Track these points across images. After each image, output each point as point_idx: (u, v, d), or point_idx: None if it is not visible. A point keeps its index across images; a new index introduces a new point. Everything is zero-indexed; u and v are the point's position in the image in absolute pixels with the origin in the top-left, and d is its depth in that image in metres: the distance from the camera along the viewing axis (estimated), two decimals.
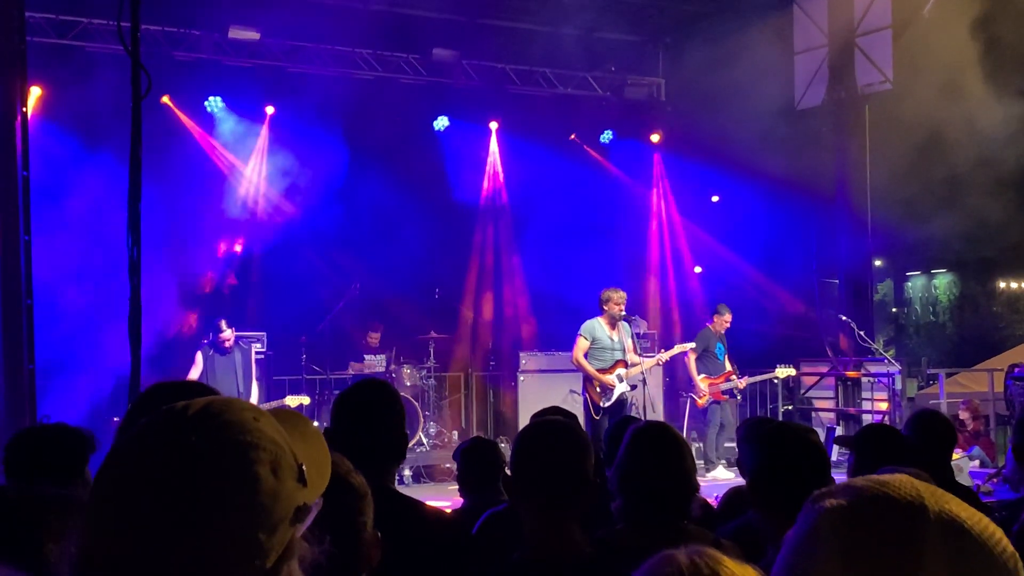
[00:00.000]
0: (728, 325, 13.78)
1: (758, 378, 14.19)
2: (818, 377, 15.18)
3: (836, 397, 14.99)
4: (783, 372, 13.88)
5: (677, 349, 13.00)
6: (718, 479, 12.62)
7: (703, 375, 13.44)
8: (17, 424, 7.85)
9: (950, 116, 13.41)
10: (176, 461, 1.19)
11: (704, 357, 13.39)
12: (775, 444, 3.28)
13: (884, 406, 13.97)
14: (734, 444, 13.32)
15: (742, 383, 13.72)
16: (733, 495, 4.73)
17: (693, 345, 13.30)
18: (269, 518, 1.21)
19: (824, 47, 15.46)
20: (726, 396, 13.57)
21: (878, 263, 16.59)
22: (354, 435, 3.25)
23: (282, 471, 1.24)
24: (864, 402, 14.59)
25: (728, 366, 13.68)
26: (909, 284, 26.82)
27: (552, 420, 3.19)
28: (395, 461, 3.36)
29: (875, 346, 14.44)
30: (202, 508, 1.17)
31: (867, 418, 13.92)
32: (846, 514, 1.24)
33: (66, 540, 2.09)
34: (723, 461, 13.29)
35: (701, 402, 13.40)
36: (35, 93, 12.52)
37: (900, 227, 15.05)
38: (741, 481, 3.78)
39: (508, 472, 3.01)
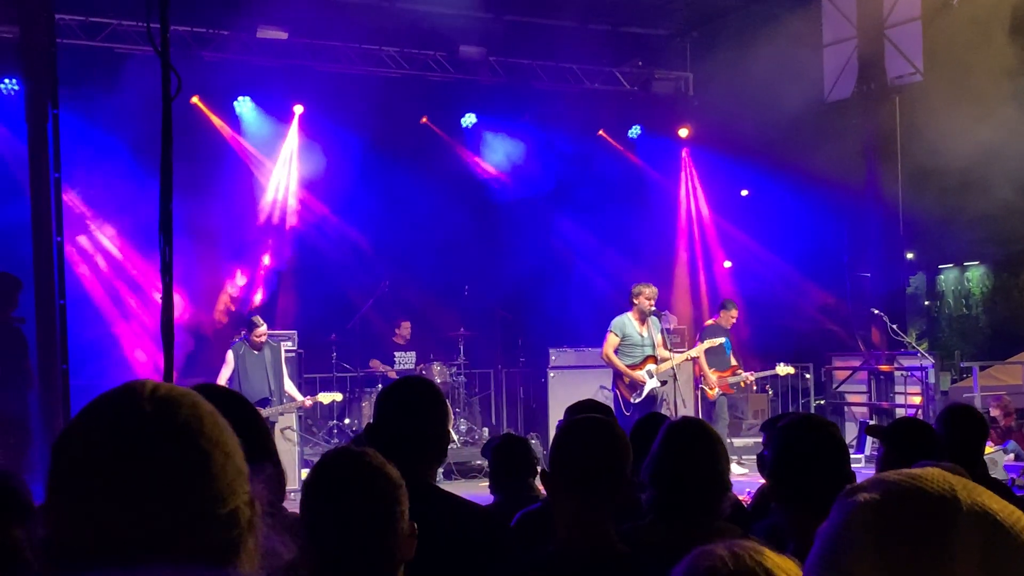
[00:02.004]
0: (734, 321, 13.75)
1: (761, 374, 14.19)
2: (850, 371, 15.09)
3: (869, 391, 14.91)
4: (783, 370, 13.77)
5: (707, 344, 12.96)
6: (732, 474, 12.56)
7: (713, 369, 13.41)
8: (50, 424, 7.92)
9: (982, 107, 13.29)
10: (132, 439, 1.26)
11: (712, 351, 13.31)
12: (795, 438, 3.26)
13: (917, 400, 13.87)
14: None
15: (750, 377, 13.70)
16: (765, 493, 4.70)
17: (722, 340, 13.25)
18: (223, 492, 1.28)
19: (853, 39, 15.36)
20: (732, 390, 13.56)
21: (910, 256, 16.45)
22: (397, 431, 3.26)
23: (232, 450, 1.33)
24: (897, 396, 14.49)
25: (733, 361, 13.65)
26: (941, 277, 26.57)
27: (593, 418, 3.19)
28: (437, 458, 3.37)
29: (908, 339, 14.34)
30: (162, 483, 1.24)
31: (900, 412, 13.82)
32: (879, 507, 1.24)
33: (32, 523, 2.10)
34: (735, 458, 13.27)
35: (712, 394, 13.35)
36: (66, 95, 12.60)
37: (932, 220, 14.92)
38: (756, 478, 3.77)
39: (545, 467, 3.02)
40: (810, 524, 3.04)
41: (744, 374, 13.69)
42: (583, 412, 4.16)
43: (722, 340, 13.29)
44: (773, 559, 1.37)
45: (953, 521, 1.21)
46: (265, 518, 1.35)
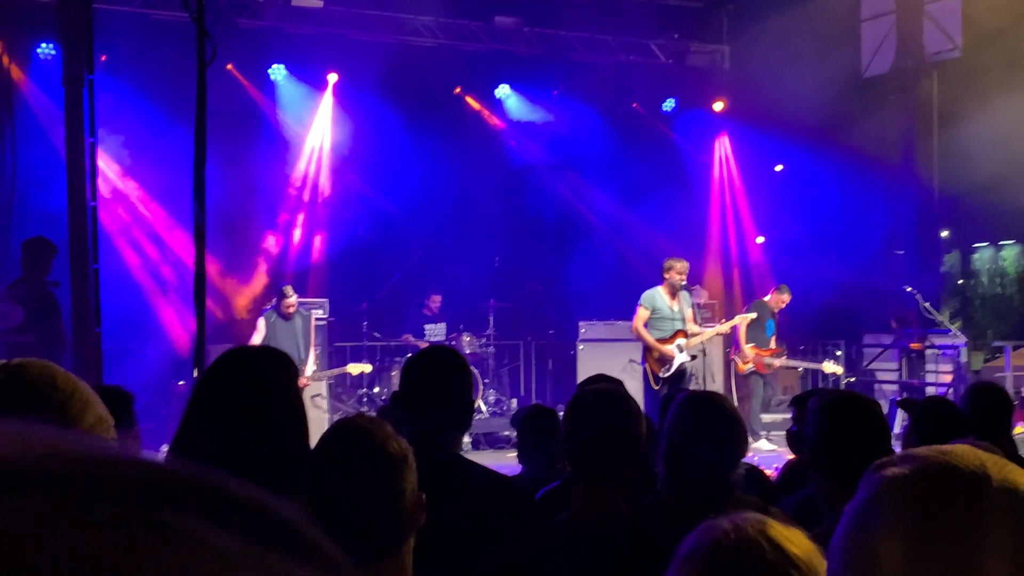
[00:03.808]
0: (784, 306, 13.68)
1: (804, 364, 14.18)
2: (881, 349, 15.00)
3: (900, 369, 14.82)
4: (830, 368, 13.66)
5: (738, 319, 12.91)
6: (761, 450, 12.55)
7: (751, 344, 13.36)
8: None
9: (1021, 84, 13.12)
10: None
11: (754, 327, 13.24)
12: (836, 413, 3.27)
13: (948, 379, 13.78)
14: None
15: (789, 362, 13.69)
16: (793, 468, 4.70)
17: (756, 315, 13.20)
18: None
19: (892, 14, 15.19)
20: (767, 369, 13.50)
21: (944, 234, 16.31)
22: (422, 399, 3.27)
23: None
24: (928, 375, 14.40)
25: (774, 344, 13.59)
26: (976, 256, 26.31)
27: (604, 388, 3.19)
28: (461, 428, 3.37)
29: (940, 318, 14.23)
30: None
31: (930, 391, 13.73)
32: (908, 482, 1.23)
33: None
34: (764, 434, 13.24)
35: (743, 367, 13.31)
36: (101, 61, 12.68)
37: (967, 198, 14.76)
38: (784, 453, 3.77)
39: (557, 440, 3.03)
40: (849, 500, 3.05)
41: (787, 360, 13.64)
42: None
43: (755, 315, 13.22)
44: (778, 529, 1.37)
45: (984, 497, 1.20)
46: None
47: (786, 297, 13.65)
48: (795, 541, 1.34)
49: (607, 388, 3.23)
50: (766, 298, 13.71)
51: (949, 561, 1.20)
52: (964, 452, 1.25)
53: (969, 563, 1.19)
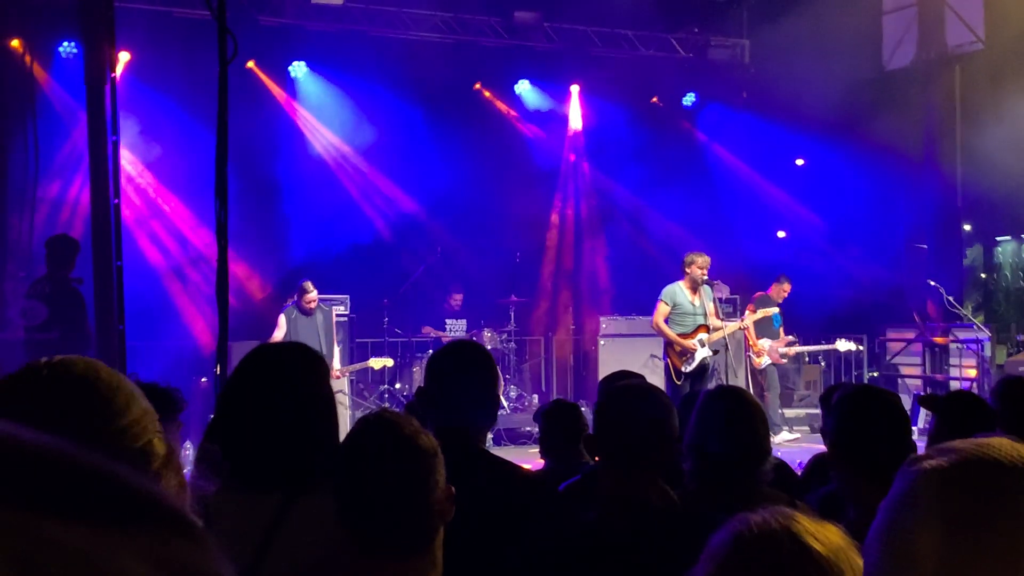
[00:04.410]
0: (786, 295, 13.69)
1: (819, 348, 14.20)
2: (905, 343, 14.94)
3: (923, 364, 14.75)
4: (844, 346, 13.78)
5: (760, 314, 12.88)
6: (782, 444, 12.53)
7: (763, 338, 13.36)
8: None
9: None
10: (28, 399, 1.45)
11: (761, 321, 13.22)
12: (859, 407, 3.26)
13: (972, 373, 13.71)
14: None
15: (793, 351, 13.72)
16: (818, 462, 4.68)
17: (775, 310, 13.19)
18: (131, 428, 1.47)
19: (913, 6, 15.12)
20: (783, 360, 13.51)
21: (967, 228, 16.21)
22: (447, 394, 3.27)
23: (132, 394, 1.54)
24: (952, 369, 14.33)
25: (782, 334, 13.60)
26: (999, 249, 26.16)
27: (637, 383, 3.19)
28: (486, 422, 3.37)
29: (964, 312, 14.17)
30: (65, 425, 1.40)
31: (954, 385, 13.66)
32: (947, 475, 1.23)
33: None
34: (786, 426, 13.22)
35: (759, 362, 13.29)
36: (124, 58, 12.73)
37: (990, 191, 14.67)
38: (812, 446, 3.77)
39: (591, 432, 3.03)
40: (871, 493, 3.05)
41: (800, 347, 13.68)
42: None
43: (775, 310, 13.22)
44: (804, 524, 1.36)
45: (1022, 490, 1.20)
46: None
47: (787, 287, 13.66)
48: (821, 537, 1.34)
49: (640, 383, 3.23)
50: (770, 292, 13.70)
51: (988, 553, 1.19)
52: (1003, 445, 1.25)
53: (1009, 555, 1.19)
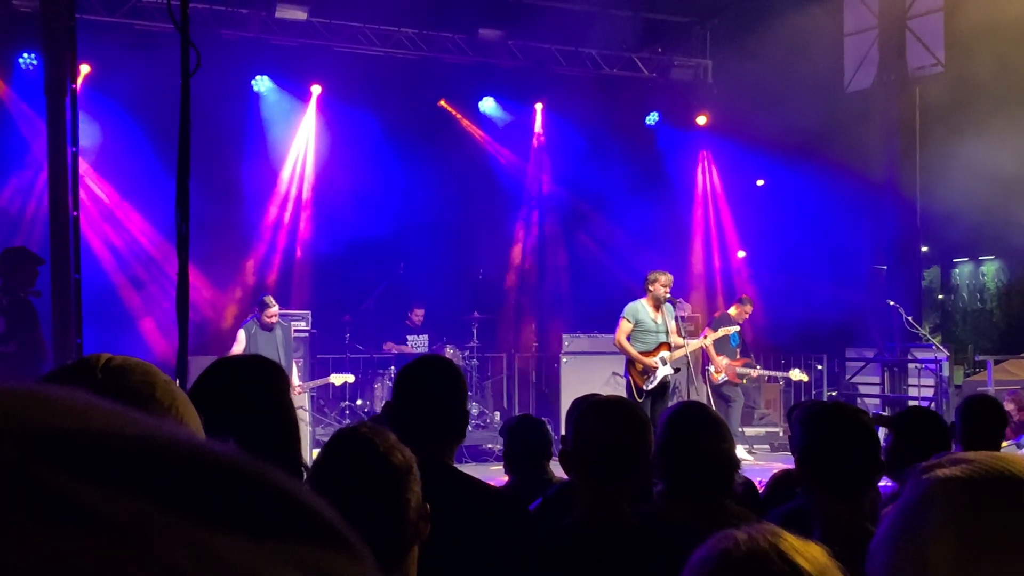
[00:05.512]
0: (747, 316, 13.76)
1: (774, 373, 14.34)
2: (864, 363, 15.05)
3: (882, 383, 14.87)
4: (797, 376, 13.92)
5: (721, 332, 12.92)
6: (743, 461, 12.57)
7: (720, 356, 13.43)
8: None
9: (1002, 100, 13.19)
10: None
11: (720, 339, 13.28)
12: (826, 424, 3.26)
13: (931, 392, 13.83)
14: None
15: (755, 372, 13.79)
16: (781, 479, 4.68)
17: (737, 328, 13.25)
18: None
19: (874, 29, 15.27)
20: (740, 380, 13.57)
21: (924, 249, 16.39)
22: (415, 409, 3.24)
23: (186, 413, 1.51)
24: (911, 388, 14.45)
25: (738, 355, 13.67)
26: (956, 271, 26.49)
27: (614, 398, 3.18)
28: (455, 438, 3.34)
29: (922, 332, 14.29)
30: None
31: (912, 404, 13.78)
32: (963, 485, 1.23)
33: None
34: (745, 445, 13.27)
35: (716, 377, 13.34)
36: (84, 70, 12.62)
37: (949, 213, 14.85)
38: (765, 464, 3.78)
39: (564, 447, 3.01)
40: (837, 509, 3.06)
41: (758, 369, 13.76)
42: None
43: (735, 329, 13.28)
44: (791, 541, 1.35)
45: None
46: None
47: (748, 308, 13.74)
48: (807, 555, 1.32)
49: (615, 397, 3.22)
50: (730, 311, 13.76)
51: (1002, 565, 1.19)
52: (1016, 460, 1.26)
53: (1021, 568, 1.19)
